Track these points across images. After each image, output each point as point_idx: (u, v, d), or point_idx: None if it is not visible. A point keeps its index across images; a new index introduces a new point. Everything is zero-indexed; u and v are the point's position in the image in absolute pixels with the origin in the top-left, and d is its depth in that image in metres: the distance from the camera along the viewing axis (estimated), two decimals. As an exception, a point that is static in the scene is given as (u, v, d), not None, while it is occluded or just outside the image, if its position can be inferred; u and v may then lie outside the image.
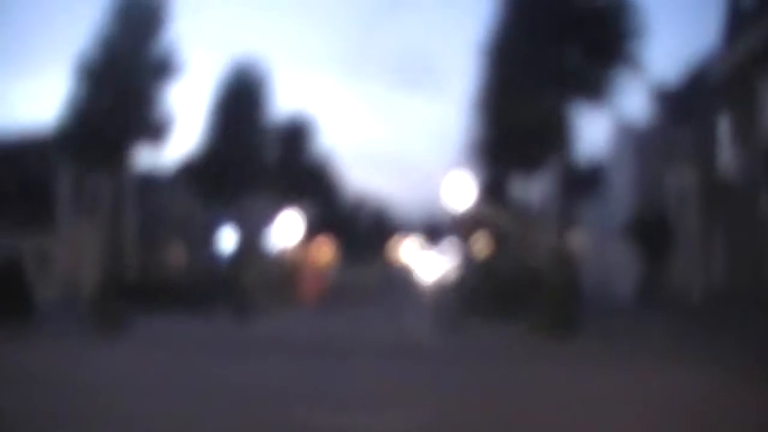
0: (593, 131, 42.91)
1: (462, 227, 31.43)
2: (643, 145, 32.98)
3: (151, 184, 36.20)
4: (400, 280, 75.74)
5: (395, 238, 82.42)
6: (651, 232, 29.97)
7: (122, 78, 26.99)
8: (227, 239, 35.31)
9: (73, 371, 12.67)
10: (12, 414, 8.51)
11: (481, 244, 34.48)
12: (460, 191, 30.31)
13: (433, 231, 70.39)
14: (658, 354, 14.49)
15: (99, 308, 24.32)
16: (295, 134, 43.50)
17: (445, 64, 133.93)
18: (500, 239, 34.55)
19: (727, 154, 25.85)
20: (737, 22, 24.84)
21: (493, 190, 33.15)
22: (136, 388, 10.65)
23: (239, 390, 10.42)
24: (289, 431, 7.70)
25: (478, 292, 29.08)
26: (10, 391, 10.25)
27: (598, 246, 36.78)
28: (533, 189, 32.45)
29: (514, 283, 27.37)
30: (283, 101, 62.12)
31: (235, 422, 8.14)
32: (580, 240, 28.98)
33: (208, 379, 11.54)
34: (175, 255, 38.24)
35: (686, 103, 29.42)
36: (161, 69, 27.74)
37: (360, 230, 63.92)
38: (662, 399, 9.38)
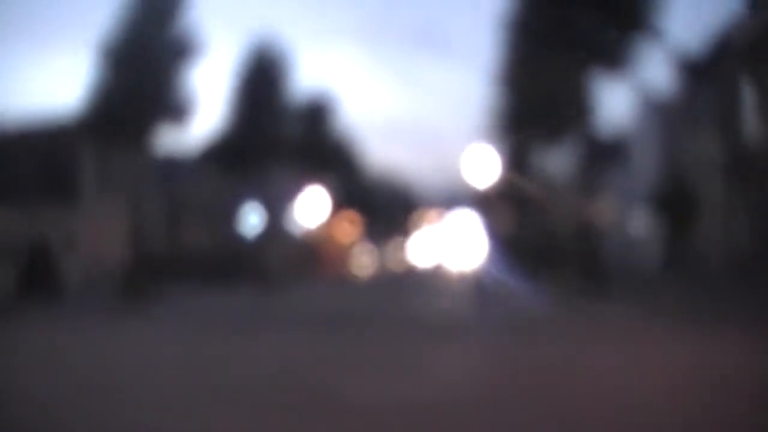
0: (618, 102, 42.93)
1: (486, 200, 31.31)
2: (667, 115, 32.65)
3: (175, 164, 36.21)
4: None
5: (418, 212, 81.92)
6: (675, 202, 29.92)
7: (143, 60, 27.40)
8: (252, 217, 35.57)
9: (112, 349, 12.39)
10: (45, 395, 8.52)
11: (506, 216, 34.46)
12: (483, 164, 30.22)
13: (457, 204, 69.88)
14: (677, 319, 14.19)
15: (129, 285, 24.59)
16: (316, 111, 43.60)
17: (466, 33, 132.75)
18: (524, 211, 34.55)
19: (751, 122, 25.59)
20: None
21: (516, 162, 33.25)
22: (178, 365, 10.40)
23: (268, 366, 10.24)
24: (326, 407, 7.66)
25: (510, 261, 29.17)
26: (49, 371, 10.10)
27: (623, 216, 36.37)
28: (556, 160, 32.26)
29: (542, 253, 27.33)
30: (305, 76, 61.68)
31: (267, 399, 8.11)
32: (604, 210, 28.89)
33: (243, 354, 11.37)
34: (201, 234, 38.30)
35: (710, 71, 29.15)
36: (181, 50, 28.15)
37: (382, 205, 63.69)
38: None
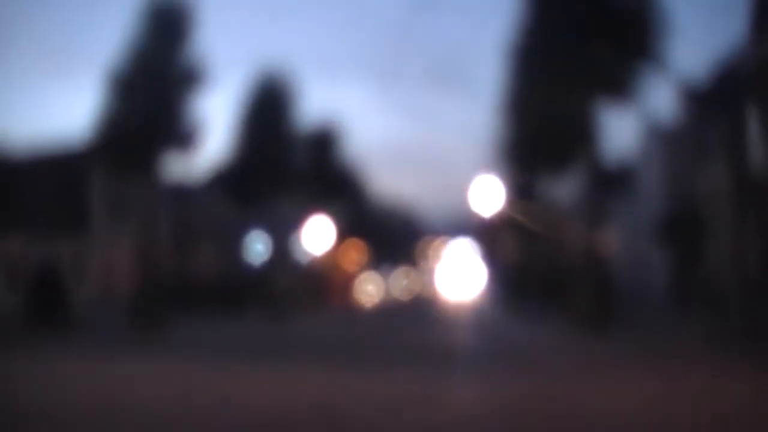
0: (624, 132, 42.84)
1: (492, 229, 31.27)
2: (673, 144, 32.63)
3: (183, 191, 36.18)
4: (429, 285, 75.58)
5: (423, 241, 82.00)
6: (682, 230, 29.68)
7: (152, 88, 27.53)
8: (259, 244, 35.57)
9: (120, 380, 12.34)
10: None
11: (511, 246, 34.43)
12: (490, 193, 30.20)
13: (462, 234, 70.05)
14: (687, 354, 14.44)
15: (140, 314, 24.53)
16: (324, 140, 43.79)
17: (474, 65, 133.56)
18: (530, 240, 34.47)
19: (757, 150, 25.09)
20: (764, 13, 24.50)
21: (522, 191, 33.20)
22: (186, 398, 10.40)
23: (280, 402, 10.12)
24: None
25: (515, 291, 28.97)
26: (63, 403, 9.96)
27: (630, 244, 36.32)
28: (563, 189, 32.22)
29: (548, 283, 27.22)
30: (313, 105, 62.02)
31: None
32: (611, 239, 28.76)
33: (258, 386, 11.40)
34: (208, 260, 38.36)
35: (715, 100, 28.96)
36: (190, 79, 28.26)
37: (388, 234, 63.61)
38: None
